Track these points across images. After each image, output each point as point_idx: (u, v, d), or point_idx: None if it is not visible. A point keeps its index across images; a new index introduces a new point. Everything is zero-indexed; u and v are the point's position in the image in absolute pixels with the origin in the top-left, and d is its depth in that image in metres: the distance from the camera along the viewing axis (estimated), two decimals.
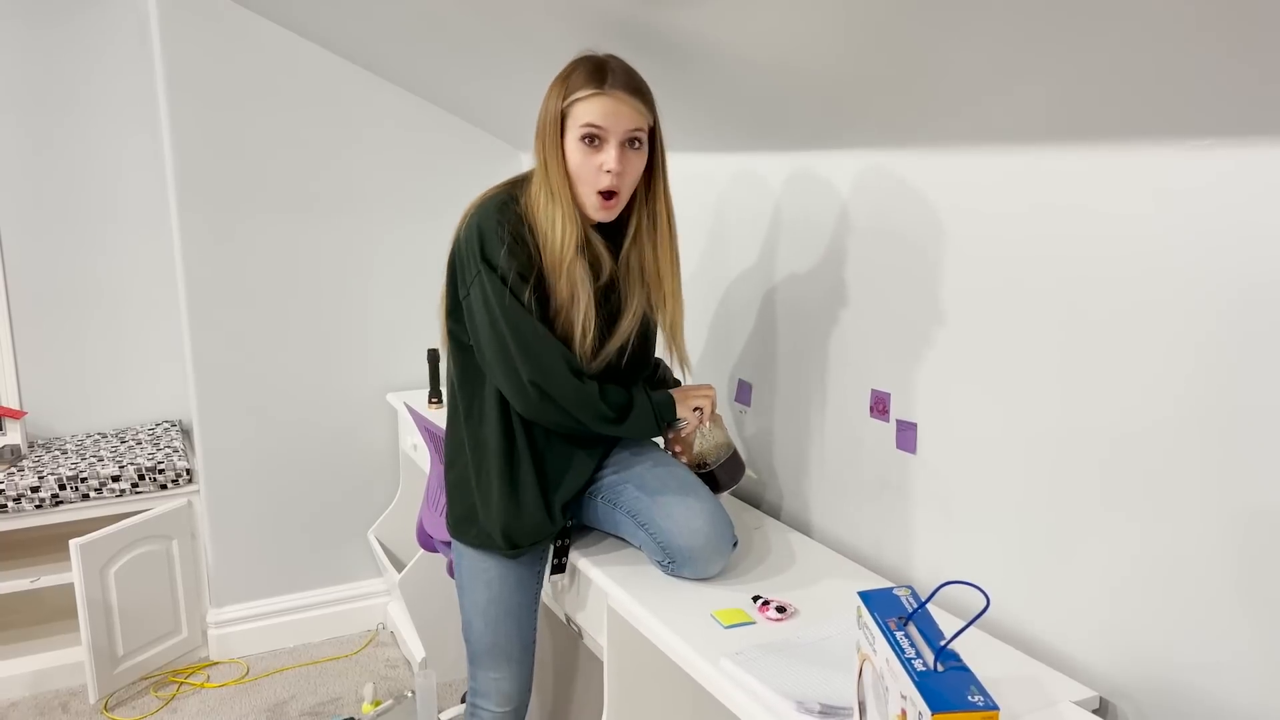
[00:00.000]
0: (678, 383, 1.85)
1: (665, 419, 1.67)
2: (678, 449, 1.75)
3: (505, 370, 1.55)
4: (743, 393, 2.02)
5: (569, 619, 1.83)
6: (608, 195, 1.54)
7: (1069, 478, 1.30)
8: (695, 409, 1.70)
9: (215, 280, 2.64)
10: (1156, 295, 1.16)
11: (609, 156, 1.50)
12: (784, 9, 1.33)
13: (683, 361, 1.75)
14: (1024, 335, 1.34)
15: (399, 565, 2.64)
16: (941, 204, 1.46)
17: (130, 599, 2.58)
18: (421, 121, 2.80)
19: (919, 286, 1.52)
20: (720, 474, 1.75)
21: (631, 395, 1.63)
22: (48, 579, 2.58)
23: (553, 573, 1.74)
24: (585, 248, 1.57)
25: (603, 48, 1.57)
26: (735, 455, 1.77)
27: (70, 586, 2.49)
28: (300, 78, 2.63)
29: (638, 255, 1.64)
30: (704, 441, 1.73)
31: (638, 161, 1.55)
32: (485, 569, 1.66)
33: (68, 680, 2.64)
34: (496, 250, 1.51)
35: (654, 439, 1.77)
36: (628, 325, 1.64)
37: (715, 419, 1.75)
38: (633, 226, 1.63)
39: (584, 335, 1.57)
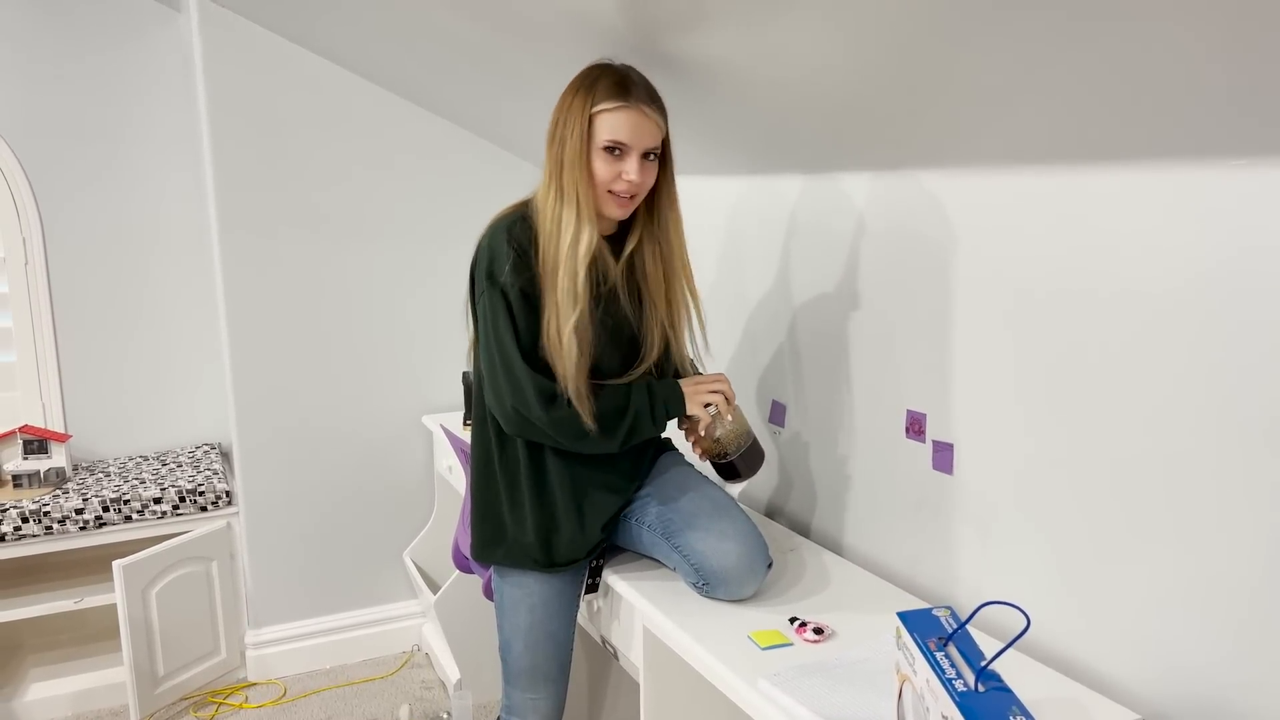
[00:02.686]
0: (698, 372, 1.86)
1: (671, 416, 1.63)
2: (693, 440, 1.72)
3: (494, 388, 1.58)
4: (777, 413, 2.02)
5: (604, 640, 1.83)
6: (625, 195, 1.56)
7: (1108, 497, 1.29)
8: (708, 405, 1.66)
9: (255, 305, 2.68)
10: (1196, 315, 1.15)
11: (630, 167, 1.54)
12: (795, 35, 1.34)
13: (680, 362, 1.73)
14: (1062, 355, 1.34)
15: (434, 587, 2.66)
16: (971, 221, 1.47)
17: (171, 619, 2.62)
18: (456, 147, 2.84)
19: (952, 307, 1.52)
20: (740, 464, 1.71)
21: (629, 403, 1.60)
22: (91, 599, 2.62)
23: (586, 592, 1.75)
24: (596, 257, 1.58)
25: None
26: (755, 444, 1.73)
27: (112, 607, 2.53)
28: (339, 106, 2.69)
29: (641, 262, 1.66)
30: (724, 430, 1.69)
31: (652, 172, 1.59)
32: (528, 593, 1.68)
33: (109, 700, 2.68)
34: (502, 267, 1.54)
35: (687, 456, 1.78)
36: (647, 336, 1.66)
37: (733, 407, 1.71)
38: (637, 235, 1.65)
39: (575, 346, 1.53)
